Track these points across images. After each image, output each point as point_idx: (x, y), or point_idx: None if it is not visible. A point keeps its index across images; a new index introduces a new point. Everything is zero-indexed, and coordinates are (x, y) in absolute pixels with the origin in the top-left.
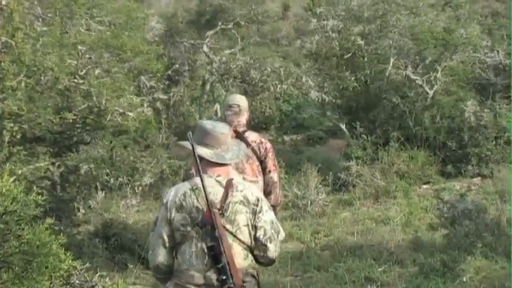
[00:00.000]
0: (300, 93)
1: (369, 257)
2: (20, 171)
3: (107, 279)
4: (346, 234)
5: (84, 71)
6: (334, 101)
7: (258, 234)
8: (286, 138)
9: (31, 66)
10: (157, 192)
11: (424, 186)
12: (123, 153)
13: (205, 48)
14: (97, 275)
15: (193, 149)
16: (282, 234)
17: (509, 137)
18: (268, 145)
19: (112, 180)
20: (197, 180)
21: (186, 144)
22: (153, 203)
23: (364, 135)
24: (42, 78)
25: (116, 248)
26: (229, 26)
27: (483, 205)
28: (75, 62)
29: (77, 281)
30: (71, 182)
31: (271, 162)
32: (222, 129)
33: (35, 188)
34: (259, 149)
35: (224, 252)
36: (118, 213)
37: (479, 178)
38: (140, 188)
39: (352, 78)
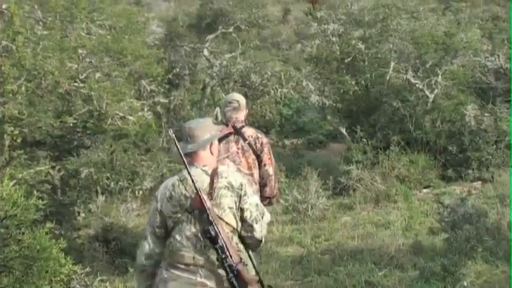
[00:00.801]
0: (301, 97)
1: (369, 261)
2: (20, 175)
3: (107, 283)
4: (346, 238)
5: (85, 74)
6: (334, 105)
7: (244, 215)
8: (286, 142)
9: (32, 70)
10: None
11: (425, 190)
12: (124, 157)
13: (205, 52)
14: (97, 279)
15: (175, 144)
16: (267, 216)
17: (510, 141)
18: (265, 140)
19: (112, 184)
20: (185, 172)
21: (177, 148)
22: None
23: (364, 139)
24: (43, 82)
25: (116, 252)
26: (230, 30)
27: (483, 209)
28: (76, 66)
29: (77, 285)
30: (71, 186)
31: (266, 156)
32: (190, 124)
33: (35, 192)
34: (255, 143)
35: (219, 233)
36: (118, 217)
37: (479, 182)
38: (140, 192)
39: (353, 82)
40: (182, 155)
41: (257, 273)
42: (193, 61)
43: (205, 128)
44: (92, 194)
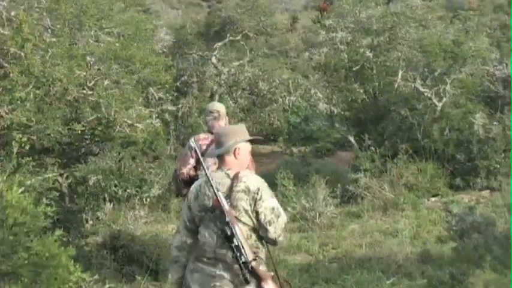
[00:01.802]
0: (309, 105)
1: (377, 270)
2: (28, 182)
3: None
4: (354, 246)
5: (93, 82)
6: (342, 113)
7: (259, 218)
8: (294, 150)
9: (40, 77)
10: (165, 204)
11: (433, 199)
12: (132, 164)
13: (213, 60)
14: (106, 286)
15: (196, 151)
16: (284, 219)
17: None
18: None
19: (120, 192)
20: (213, 173)
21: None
22: (161, 214)
23: (372, 148)
24: (51, 89)
25: (124, 260)
26: (238, 38)
27: (492, 218)
28: (84, 73)
29: None
30: (79, 193)
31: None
32: (220, 131)
33: (44, 199)
34: None
35: (235, 233)
36: (126, 225)
37: (488, 191)
38: (148, 200)
39: (361, 91)
40: (201, 159)
41: (275, 269)
42: (201, 69)
43: (232, 134)
44: (99, 201)
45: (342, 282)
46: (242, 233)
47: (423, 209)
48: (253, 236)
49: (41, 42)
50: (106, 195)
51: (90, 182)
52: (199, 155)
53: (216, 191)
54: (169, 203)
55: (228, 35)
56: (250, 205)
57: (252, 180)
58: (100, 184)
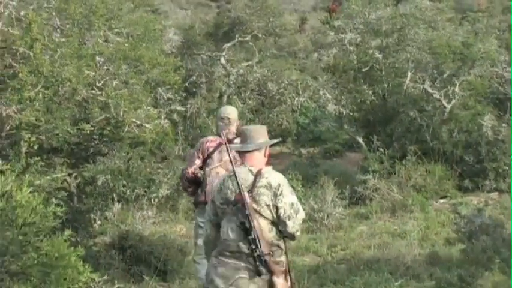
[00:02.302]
0: (317, 106)
1: (385, 271)
2: (37, 182)
3: None
4: (362, 247)
5: (102, 82)
6: (351, 114)
7: (279, 213)
8: (303, 151)
9: (49, 77)
10: (173, 204)
11: (441, 201)
12: (140, 164)
13: (222, 61)
14: (115, 287)
15: (226, 146)
16: (302, 214)
17: None
18: None
19: (128, 192)
20: (236, 169)
21: (232, 146)
22: (170, 215)
23: (381, 149)
24: (60, 89)
25: (132, 260)
26: (247, 39)
27: (500, 220)
28: (93, 73)
29: None
30: (87, 193)
31: None
32: (250, 127)
33: (53, 199)
34: None
35: (253, 227)
36: (134, 225)
37: (496, 193)
38: (157, 200)
39: (370, 92)
40: (230, 154)
41: (288, 265)
42: (210, 69)
43: (262, 133)
44: (108, 202)
45: (350, 283)
46: (261, 227)
47: (432, 210)
48: (274, 229)
49: (50, 42)
50: (114, 196)
51: (99, 182)
52: (229, 153)
53: (239, 185)
54: (177, 204)
55: (237, 36)
56: (272, 200)
57: (274, 177)
58: (108, 184)
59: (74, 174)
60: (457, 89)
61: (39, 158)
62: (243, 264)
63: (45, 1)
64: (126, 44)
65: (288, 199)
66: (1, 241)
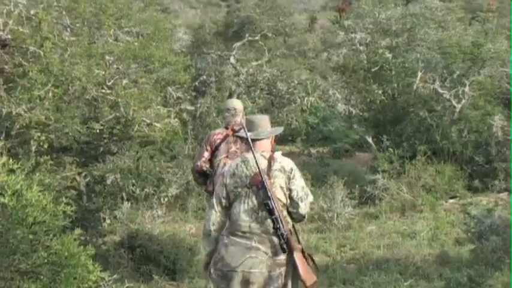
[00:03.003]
0: (327, 106)
1: (395, 271)
2: (47, 181)
3: None
4: (372, 247)
5: (112, 81)
6: (361, 114)
7: (292, 195)
8: (312, 150)
9: (59, 76)
10: (183, 203)
11: (451, 201)
12: (150, 163)
13: (232, 60)
14: (125, 286)
15: (245, 132)
16: (311, 197)
17: None
18: None
19: (138, 191)
20: (247, 155)
21: (241, 133)
22: (179, 214)
23: (390, 149)
24: (70, 88)
25: (142, 259)
26: (257, 38)
27: (510, 220)
28: (103, 72)
29: None
30: (97, 192)
31: None
32: (257, 117)
33: (63, 198)
34: None
35: (275, 207)
36: (144, 224)
37: (506, 193)
38: (166, 199)
39: (379, 92)
40: (251, 144)
41: (299, 243)
42: (219, 68)
43: (268, 122)
44: (117, 201)
45: (360, 283)
46: (278, 207)
47: (441, 210)
48: (284, 212)
49: (60, 41)
50: (124, 195)
51: (108, 181)
52: (249, 139)
53: (260, 169)
54: (186, 203)
55: (247, 35)
56: (285, 183)
57: (286, 161)
58: (118, 183)
59: (83, 173)
60: (467, 89)
61: (49, 156)
62: (253, 245)
63: (55, 0)
64: (136, 43)
65: (300, 182)
66: (11, 240)
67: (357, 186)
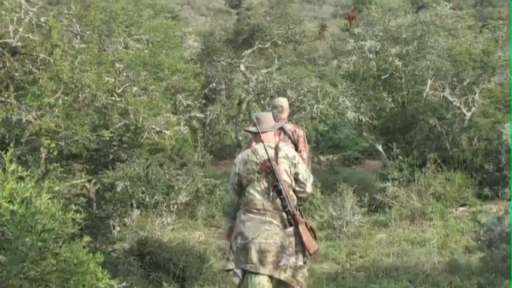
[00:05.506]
0: (337, 114)
1: (404, 279)
2: (57, 188)
3: None
4: (381, 255)
5: (122, 88)
6: (370, 121)
7: (299, 177)
8: (322, 158)
9: (69, 84)
10: (192, 211)
11: (461, 209)
12: (159, 171)
13: (242, 67)
14: None
15: (256, 126)
16: (312, 178)
17: None
18: (301, 132)
19: (147, 198)
20: (256, 146)
21: (250, 128)
22: (188, 221)
23: (400, 157)
24: (80, 95)
25: (151, 266)
26: (267, 45)
27: None
28: (113, 80)
29: None
30: (106, 200)
31: (301, 145)
32: (262, 114)
33: (72, 205)
34: (293, 135)
35: (283, 189)
36: (153, 231)
37: None
38: (175, 207)
39: (389, 99)
40: (260, 132)
41: (302, 217)
42: (229, 76)
43: (271, 118)
44: (127, 208)
45: None
46: (285, 188)
47: (451, 218)
48: (290, 191)
49: (70, 48)
50: (133, 202)
51: (118, 189)
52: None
53: (269, 156)
54: (196, 210)
55: (257, 43)
56: (290, 167)
57: (289, 150)
58: (127, 191)
59: (93, 181)
60: (477, 97)
61: (58, 164)
62: (267, 219)
63: (66, 7)
64: (145, 51)
65: (303, 166)
66: (20, 247)
67: (367, 194)
